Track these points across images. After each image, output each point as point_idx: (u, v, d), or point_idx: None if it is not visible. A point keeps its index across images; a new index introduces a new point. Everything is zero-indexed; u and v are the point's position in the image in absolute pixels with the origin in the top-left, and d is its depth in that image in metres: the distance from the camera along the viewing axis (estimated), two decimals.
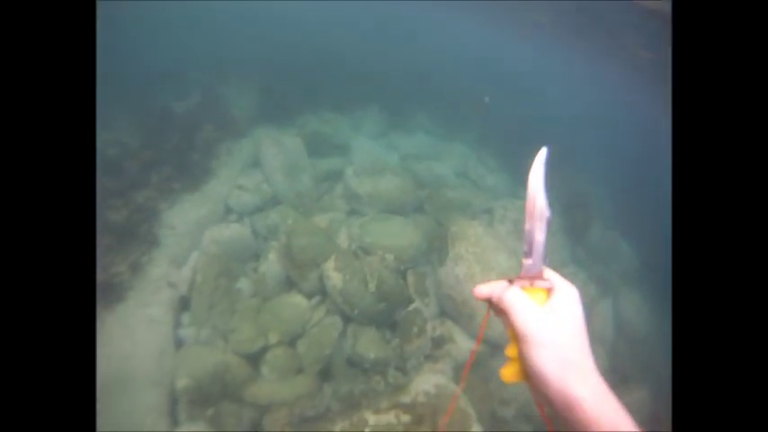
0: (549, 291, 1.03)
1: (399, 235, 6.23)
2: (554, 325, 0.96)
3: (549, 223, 1.10)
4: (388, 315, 5.73)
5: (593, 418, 0.86)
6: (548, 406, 0.96)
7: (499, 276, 5.67)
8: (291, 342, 5.43)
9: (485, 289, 1.10)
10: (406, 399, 4.77)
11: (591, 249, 8.21)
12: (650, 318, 7.87)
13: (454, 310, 5.79)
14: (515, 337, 1.00)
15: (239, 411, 4.67)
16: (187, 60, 9.86)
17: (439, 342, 5.75)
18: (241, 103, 9.11)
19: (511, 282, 1.05)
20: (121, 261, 4.93)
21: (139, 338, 4.70)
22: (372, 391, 5.20)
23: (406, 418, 4.59)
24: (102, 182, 5.60)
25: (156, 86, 8.48)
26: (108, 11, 5.99)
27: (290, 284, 5.91)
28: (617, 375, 7.04)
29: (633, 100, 13.46)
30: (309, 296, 5.78)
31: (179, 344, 5.10)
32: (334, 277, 5.49)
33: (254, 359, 5.24)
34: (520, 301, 1.00)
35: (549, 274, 1.07)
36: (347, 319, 5.68)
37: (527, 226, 1.07)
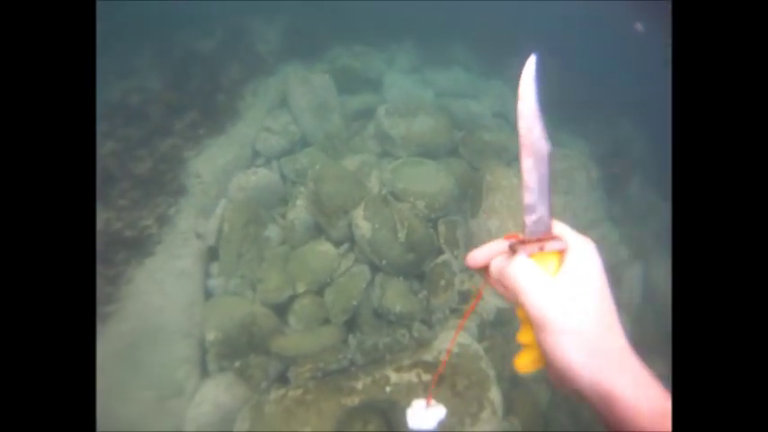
0: (561, 252, 0.84)
1: (432, 181, 6.00)
2: (576, 304, 0.78)
3: (551, 161, 0.87)
4: (417, 266, 5.63)
5: (637, 413, 0.71)
6: (578, 398, 0.78)
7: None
8: (319, 291, 5.41)
9: (480, 255, 0.89)
10: (428, 357, 4.75)
11: (628, 206, 7.81)
12: None
13: None
14: (528, 320, 0.82)
15: (266, 363, 4.75)
16: None
17: (466, 296, 5.65)
18: (267, 37, 8.73)
19: (514, 248, 0.84)
20: (149, 215, 4.92)
21: (170, 291, 4.75)
22: (397, 345, 5.20)
23: (426, 377, 4.59)
24: (126, 132, 5.50)
25: (178, 26, 8.16)
26: None
27: (318, 231, 5.83)
28: (640, 347, 6.88)
29: None
30: (338, 244, 5.69)
31: (208, 295, 5.15)
32: (363, 226, 5.37)
33: (282, 309, 5.27)
34: (530, 276, 0.81)
35: (559, 228, 0.88)
36: (375, 269, 5.61)
37: (524, 166, 0.86)
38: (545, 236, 0.84)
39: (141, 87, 6.43)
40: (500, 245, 0.86)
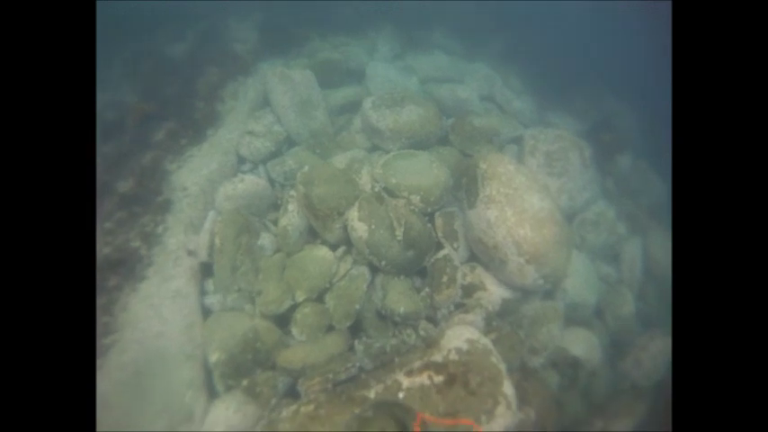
0: None
1: (425, 173, 5.85)
2: None
3: None
4: (417, 262, 5.51)
5: None
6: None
7: (533, 221, 5.39)
8: (319, 298, 5.28)
9: None
10: (437, 357, 4.63)
11: (620, 181, 7.73)
12: None
13: (485, 254, 5.53)
14: None
15: (274, 379, 4.61)
16: None
17: (469, 290, 5.55)
18: (243, 35, 8.45)
19: None
20: (136, 236, 4.72)
21: (167, 314, 4.57)
22: (404, 346, 5.08)
23: (438, 378, 4.46)
24: (104, 149, 5.26)
25: (146, 30, 7.84)
26: None
27: (313, 235, 5.67)
28: (641, 321, 6.86)
29: None
30: (334, 247, 5.55)
31: (207, 313, 4.98)
32: (359, 228, 5.22)
33: (283, 320, 5.13)
34: None
35: None
36: (375, 270, 5.48)
37: None
38: None
39: (115, 101, 6.17)
40: None
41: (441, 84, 7.87)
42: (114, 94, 6.30)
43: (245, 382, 4.54)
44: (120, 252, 4.63)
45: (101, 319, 4.22)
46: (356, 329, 5.29)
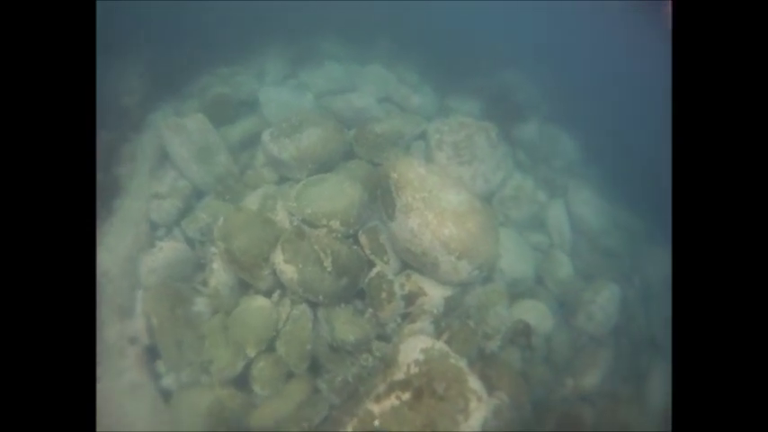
0: None
1: (339, 195, 5.81)
2: None
3: None
4: (353, 287, 5.53)
5: None
6: None
7: (455, 217, 5.46)
8: (269, 347, 5.21)
9: None
10: (399, 375, 4.66)
11: (531, 149, 7.95)
12: (604, 209, 7.84)
13: (416, 261, 5.58)
14: None
15: None
16: None
17: (411, 298, 5.60)
18: (128, 85, 8.05)
19: None
20: None
21: (129, 410, 4.45)
22: (365, 371, 5.13)
23: (406, 396, 4.50)
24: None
25: None
26: None
27: (245, 287, 5.56)
28: (582, 277, 7.12)
29: None
30: (269, 293, 5.47)
31: (166, 396, 4.87)
32: (288, 270, 5.16)
33: (242, 381, 5.06)
34: None
35: None
36: (314, 305, 5.44)
37: None
38: None
39: None
40: None
41: (336, 96, 7.78)
42: None
43: None
44: None
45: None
46: (315, 368, 5.26)
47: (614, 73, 8.62)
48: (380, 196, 5.82)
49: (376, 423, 4.35)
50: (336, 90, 8.01)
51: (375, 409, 4.42)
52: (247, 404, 4.93)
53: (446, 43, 8.91)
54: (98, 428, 4.11)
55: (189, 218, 6.05)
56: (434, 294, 5.63)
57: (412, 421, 4.35)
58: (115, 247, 5.59)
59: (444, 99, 8.19)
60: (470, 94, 8.33)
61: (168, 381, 5.02)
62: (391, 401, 4.47)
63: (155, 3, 8.10)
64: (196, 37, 8.92)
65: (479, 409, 4.63)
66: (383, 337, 5.45)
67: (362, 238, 5.73)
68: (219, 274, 5.42)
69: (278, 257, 5.20)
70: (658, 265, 8.34)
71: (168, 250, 5.59)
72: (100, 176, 6.21)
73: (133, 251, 5.63)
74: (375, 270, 5.61)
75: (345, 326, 5.24)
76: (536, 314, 6.42)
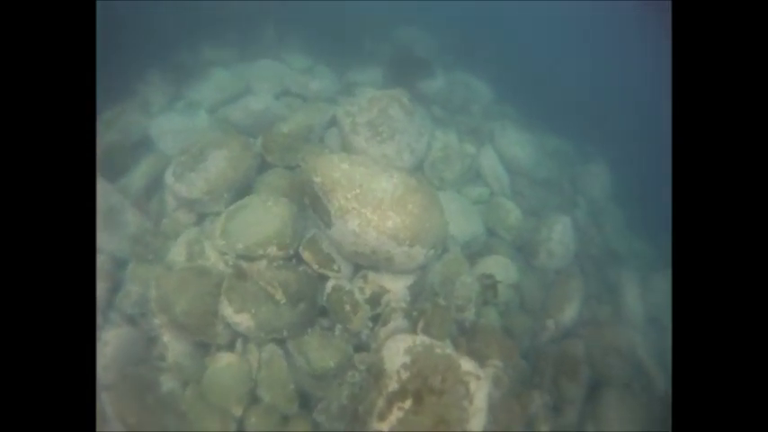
0: None
1: (265, 218, 5.33)
2: None
3: None
4: (313, 308, 5.19)
5: None
6: None
7: (394, 205, 5.14)
8: (254, 400, 4.86)
9: None
10: (393, 385, 4.46)
11: (447, 104, 7.67)
12: (531, 142, 7.74)
13: (368, 260, 5.26)
14: None
15: None
16: None
17: (374, 299, 5.31)
18: None
19: None
20: None
21: None
22: (357, 388, 4.83)
23: (407, 403, 4.35)
24: None
25: None
26: None
27: (205, 348, 5.09)
28: (530, 216, 7.05)
29: None
30: (231, 346, 5.05)
31: None
32: (242, 319, 4.77)
33: None
34: None
35: None
36: (281, 341, 5.05)
37: None
38: None
39: None
40: None
41: (231, 105, 7.15)
42: None
43: None
44: None
45: None
46: (306, 402, 4.96)
47: (506, 6, 8.39)
48: (310, 204, 5.41)
49: None
50: (229, 98, 7.35)
51: (383, 426, 4.24)
52: None
53: (329, 15, 8.36)
54: None
55: (120, 294, 5.39)
56: (396, 287, 5.37)
57: (422, 425, 4.24)
58: None
59: (344, 75, 7.71)
60: (368, 63, 7.90)
61: None
62: (395, 415, 4.29)
63: None
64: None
65: (480, 387, 4.56)
66: (361, 347, 5.16)
67: (306, 254, 5.33)
68: (173, 346, 4.93)
69: (226, 310, 4.77)
70: (596, 178, 8.44)
71: (113, 340, 4.93)
72: None
73: None
74: (330, 284, 5.26)
75: (320, 352, 4.92)
76: (498, 267, 6.32)
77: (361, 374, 4.92)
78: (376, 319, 5.30)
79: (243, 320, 4.75)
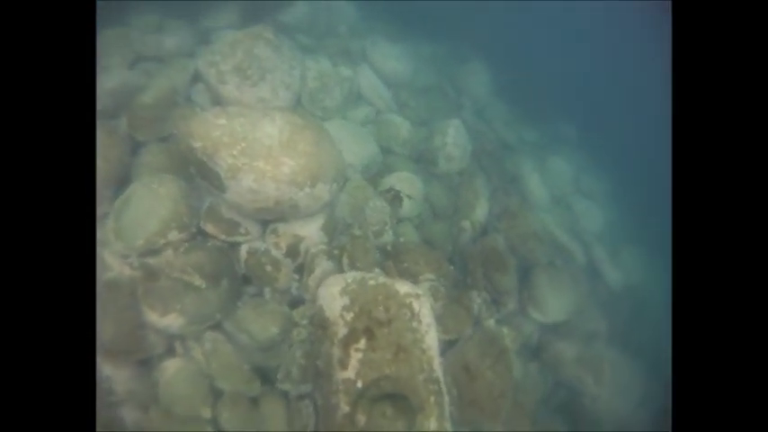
0: None
1: (156, 203, 4.81)
2: None
3: None
4: (235, 280, 4.96)
5: None
6: None
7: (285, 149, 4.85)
8: (216, 394, 4.58)
9: None
10: (342, 330, 4.37)
11: (311, 29, 7.25)
12: (405, 52, 7.57)
13: (273, 214, 5.06)
14: None
15: None
16: None
17: (293, 250, 5.18)
18: None
19: None
20: None
21: None
22: (308, 344, 4.72)
23: (362, 343, 4.29)
24: None
25: None
26: None
27: (148, 364, 4.68)
28: (420, 125, 7.03)
29: None
30: (171, 351, 4.72)
31: None
32: (171, 321, 4.49)
33: None
34: None
35: None
36: (218, 326, 4.79)
37: None
38: None
39: None
40: None
41: None
42: None
43: None
44: None
45: None
46: (266, 377, 4.77)
47: None
48: (198, 172, 5.04)
49: (359, 385, 4.17)
50: None
51: (348, 374, 4.21)
52: None
53: None
54: None
55: None
56: (310, 231, 5.27)
57: (383, 359, 4.27)
58: None
59: (197, 24, 7.00)
60: (221, 5, 7.22)
61: None
62: (354, 358, 4.27)
63: None
64: None
65: (423, 304, 4.68)
66: (297, 303, 5.06)
67: (209, 227, 5.02)
68: (116, 375, 4.49)
69: (151, 317, 4.44)
70: (476, 77, 8.55)
71: None
72: None
73: None
74: (243, 250, 5.05)
75: (259, 323, 4.73)
76: (403, 183, 6.36)
77: (306, 329, 4.82)
78: (300, 270, 5.20)
79: (171, 321, 4.47)
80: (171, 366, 4.59)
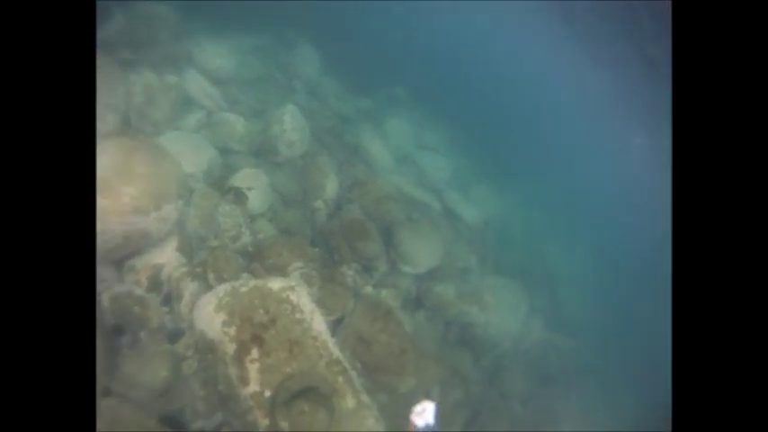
0: None
1: None
2: None
3: None
4: (110, 332, 4.52)
5: None
6: None
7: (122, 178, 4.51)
8: None
9: None
10: (230, 346, 4.30)
11: (131, 42, 6.67)
12: (230, 48, 7.35)
13: (125, 249, 4.78)
14: None
15: None
16: None
17: (155, 282, 4.92)
18: None
19: None
20: None
21: None
22: (203, 373, 4.56)
23: (255, 353, 4.27)
24: None
25: None
26: None
27: None
28: (254, 117, 6.91)
29: None
30: None
31: None
32: None
33: None
34: None
35: None
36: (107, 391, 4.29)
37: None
38: None
39: None
40: None
41: None
42: None
43: None
44: None
45: None
46: (177, 423, 4.43)
47: None
48: None
49: (267, 394, 4.16)
50: None
51: (253, 387, 4.16)
52: None
53: None
54: None
55: None
56: (167, 256, 5.07)
57: (280, 359, 4.30)
58: None
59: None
60: None
61: None
62: (253, 369, 4.23)
63: None
64: None
65: (299, 293, 4.77)
66: (177, 334, 4.82)
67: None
68: None
69: None
70: (304, 59, 8.56)
71: None
72: None
73: None
74: (104, 298, 4.53)
75: (146, 371, 4.38)
76: (248, 180, 6.21)
77: (195, 359, 4.64)
78: (168, 299, 4.98)
79: None
80: None
